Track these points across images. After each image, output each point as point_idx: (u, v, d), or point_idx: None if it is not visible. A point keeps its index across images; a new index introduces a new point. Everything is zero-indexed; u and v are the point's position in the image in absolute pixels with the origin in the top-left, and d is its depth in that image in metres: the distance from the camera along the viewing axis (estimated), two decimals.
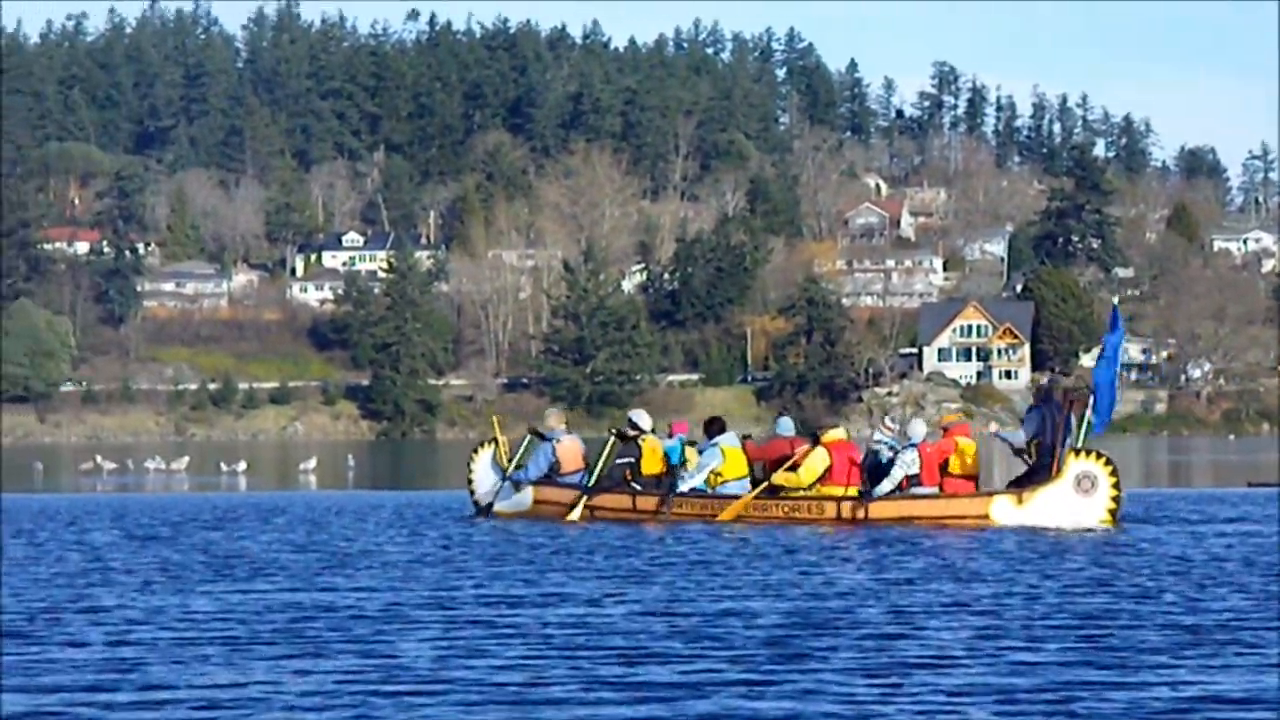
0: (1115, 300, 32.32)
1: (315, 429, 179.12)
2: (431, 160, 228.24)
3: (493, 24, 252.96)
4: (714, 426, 28.25)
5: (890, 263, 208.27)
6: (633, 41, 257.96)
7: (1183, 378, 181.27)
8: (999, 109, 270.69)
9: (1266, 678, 11.91)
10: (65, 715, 10.93)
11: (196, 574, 19.45)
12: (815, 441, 27.13)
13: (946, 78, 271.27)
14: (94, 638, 14.15)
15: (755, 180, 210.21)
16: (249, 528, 27.25)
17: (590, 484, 28.03)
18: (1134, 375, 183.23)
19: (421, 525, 27.27)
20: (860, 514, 26.25)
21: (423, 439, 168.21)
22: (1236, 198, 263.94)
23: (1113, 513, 25.79)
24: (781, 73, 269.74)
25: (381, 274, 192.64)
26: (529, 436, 29.48)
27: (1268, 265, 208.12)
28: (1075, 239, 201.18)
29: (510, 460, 29.03)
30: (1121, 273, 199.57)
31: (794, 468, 26.87)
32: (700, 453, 27.82)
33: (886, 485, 26.45)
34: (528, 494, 28.64)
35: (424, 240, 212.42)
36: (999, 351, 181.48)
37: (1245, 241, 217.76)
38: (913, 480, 26.43)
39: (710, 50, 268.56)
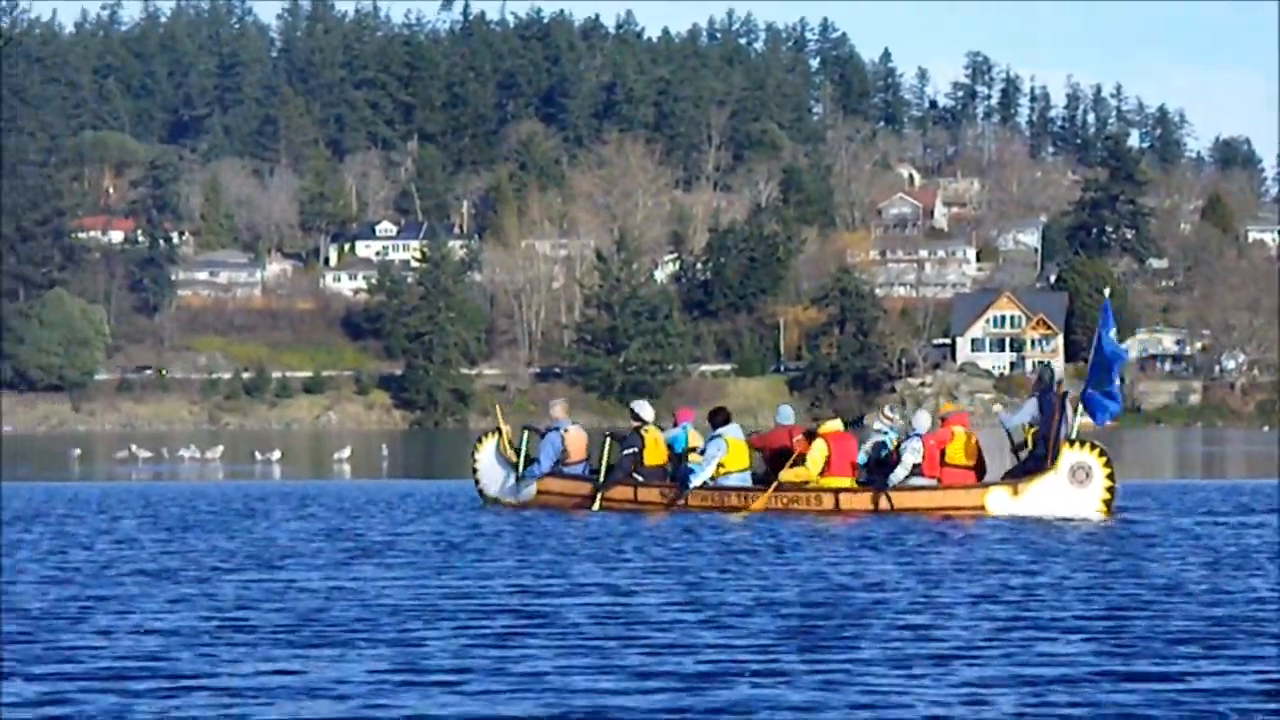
0: (1108, 293, 32.49)
1: (348, 418, 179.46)
2: (465, 150, 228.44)
3: (526, 14, 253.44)
4: (718, 417, 28.16)
5: (923, 253, 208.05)
6: (666, 32, 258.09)
7: (1217, 369, 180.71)
8: (1033, 99, 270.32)
9: None
10: (87, 704, 10.97)
11: (235, 562, 19.51)
12: (812, 434, 27.24)
13: (980, 68, 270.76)
14: (119, 625, 14.21)
15: (788, 170, 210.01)
16: (282, 515, 27.35)
17: (601, 477, 28.05)
18: (1168, 366, 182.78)
19: (451, 513, 27.29)
20: (860, 505, 26.35)
21: (456, 428, 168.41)
22: (1271, 188, 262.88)
23: (1107, 503, 25.93)
24: (815, 63, 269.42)
25: (415, 263, 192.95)
26: (526, 432, 29.50)
27: None
28: (1109, 230, 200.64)
29: (515, 452, 29.05)
30: (1155, 263, 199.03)
31: (796, 461, 26.91)
32: (706, 443, 27.82)
33: (900, 472, 26.48)
34: (531, 484, 28.74)
35: (457, 230, 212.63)
36: (1032, 342, 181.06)
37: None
38: (914, 470, 26.52)
39: (744, 40, 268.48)
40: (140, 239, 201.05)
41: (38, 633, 13.79)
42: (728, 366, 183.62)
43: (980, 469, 26.93)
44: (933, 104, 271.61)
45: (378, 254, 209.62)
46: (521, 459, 28.94)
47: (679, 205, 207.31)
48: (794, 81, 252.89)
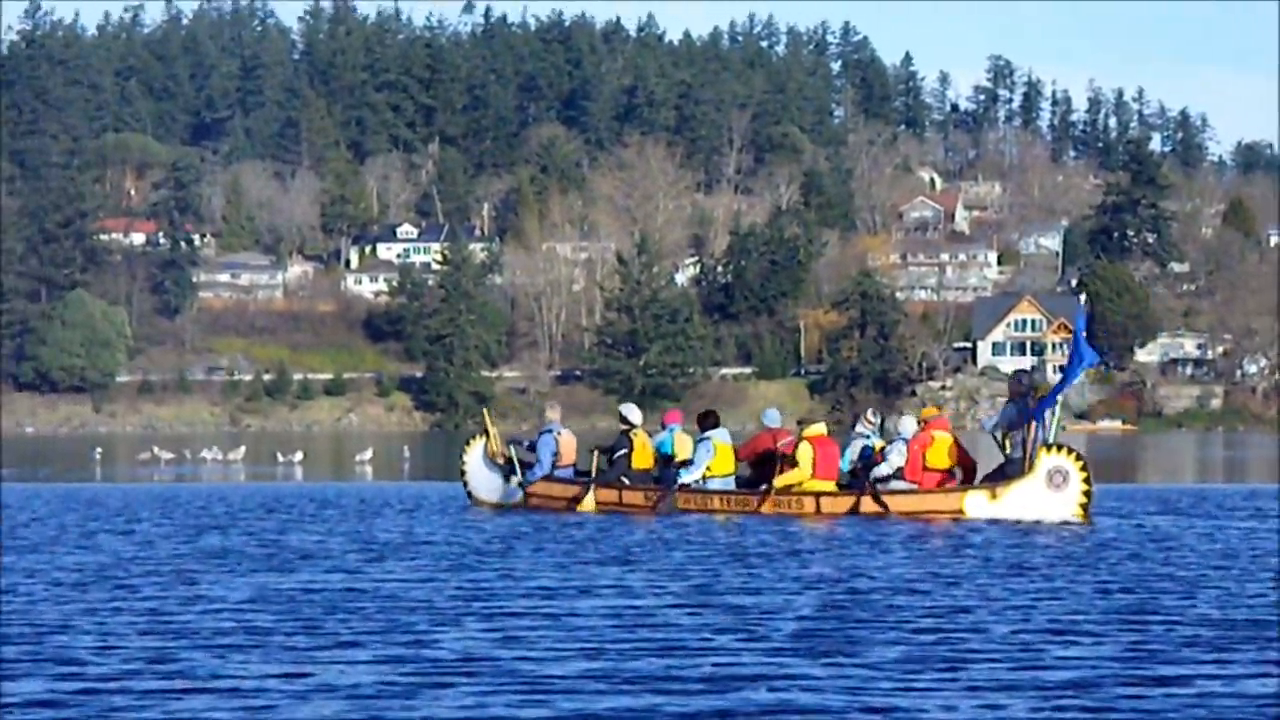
0: (1083, 300, 33.10)
1: (369, 420, 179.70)
2: (486, 152, 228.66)
3: (547, 17, 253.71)
4: (708, 420, 28.43)
5: (944, 256, 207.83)
6: (687, 35, 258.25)
7: (1238, 373, 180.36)
8: (1054, 103, 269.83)
9: None
10: (98, 704, 11.00)
11: (268, 562, 19.57)
12: (798, 436, 27.51)
13: (1002, 71, 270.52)
14: (130, 627, 14.25)
15: (809, 173, 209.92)
16: (308, 517, 27.44)
17: (593, 477, 28.27)
18: (1189, 370, 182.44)
19: (463, 516, 27.35)
20: (841, 509, 26.64)
21: (476, 431, 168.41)
22: None
23: (1084, 507, 26.19)
24: (836, 66, 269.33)
25: (435, 266, 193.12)
26: (513, 446, 29.59)
27: None
28: (1130, 233, 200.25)
29: (502, 455, 29.26)
30: (1177, 267, 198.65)
31: (784, 464, 27.13)
32: (695, 445, 27.97)
33: (883, 470, 26.86)
34: (517, 485, 28.92)
35: (478, 232, 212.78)
36: (1053, 346, 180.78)
37: None
38: (896, 474, 26.85)
39: (765, 43, 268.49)
40: (162, 241, 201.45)
41: (50, 636, 13.83)
42: (748, 370, 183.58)
43: (969, 473, 27.20)
44: (954, 107, 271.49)
45: (399, 256, 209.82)
46: (518, 465, 29.10)
47: (700, 208, 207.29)
48: (815, 85, 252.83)
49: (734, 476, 27.97)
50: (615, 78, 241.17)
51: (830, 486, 27.09)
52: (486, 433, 29.82)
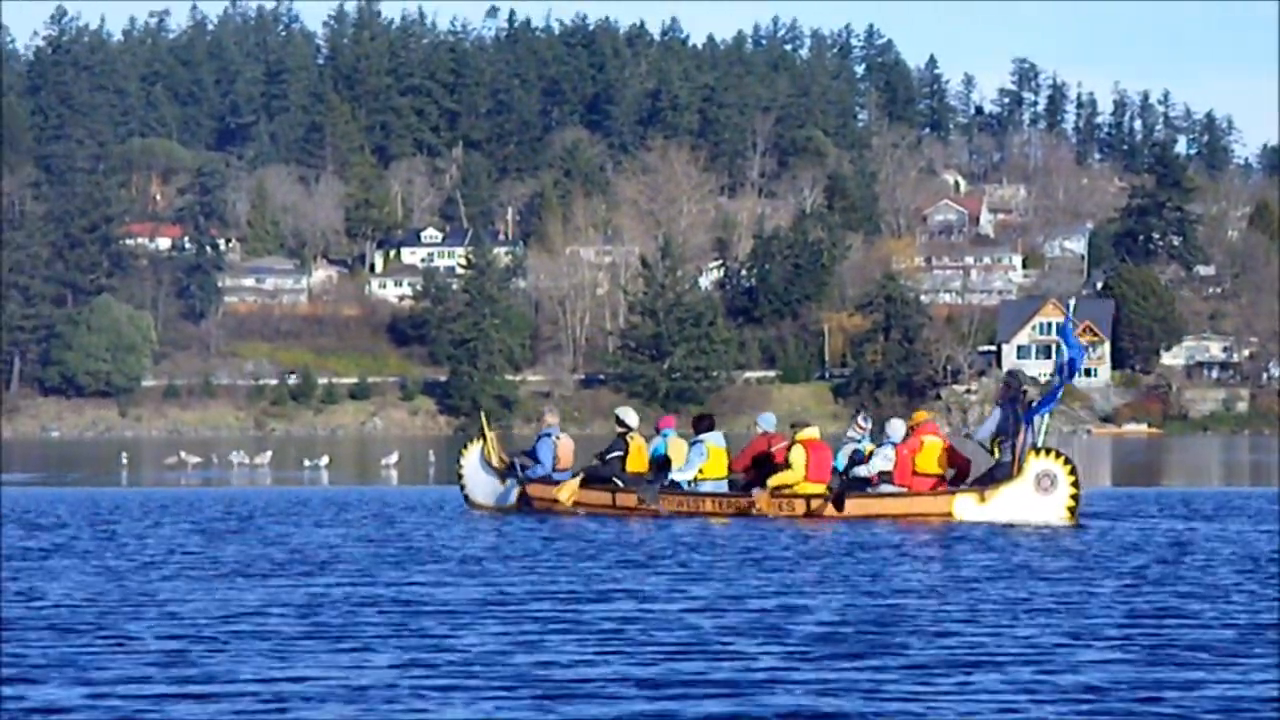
0: (1073, 302, 33.43)
1: (393, 424, 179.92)
2: (510, 157, 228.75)
3: (571, 21, 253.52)
4: (702, 424, 28.72)
5: (969, 260, 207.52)
6: (711, 38, 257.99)
7: (1264, 376, 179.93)
8: (1079, 106, 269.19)
9: None
10: (121, 708, 11.05)
11: (304, 567, 19.63)
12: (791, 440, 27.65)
13: (1027, 74, 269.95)
14: (151, 631, 14.30)
15: (833, 177, 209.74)
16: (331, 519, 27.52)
17: (584, 472, 28.57)
18: (1215, 373, 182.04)
19: (478, 519, 27.39)
20: (829, 512, 26.76)
21: (500, 435, 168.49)
22: None
23: (1072, 510, 26.38)
24: (860, 69, 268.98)
25: (460, 270, 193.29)
26: (516, 459, 29.66)
27: None
28: (1156, 236, 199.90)
29: (501, 460, 29.40)
30: (1203, 270, 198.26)
31: (776, 466, 27.29)
32: (689, 448, 28.10)
33: (863, 470, 27.16)
34: (513, 489, 28.94)
35: (502, 236, 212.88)
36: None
37: None
38: (884, 477, 26.97)
39: (789, 47, 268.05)
40: (187, 246, 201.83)
41: (73, 639, 13.88)
42: (772, 373, 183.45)
43: (960, 476, 27.31)
44: (978, 110, 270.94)
45: (423, 261, 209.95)
46: (520, 472, 29.22)
47: (724, 212, 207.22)
48: (839, 88, 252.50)
49: (728, 480, 28.09)
50: (639, 81, 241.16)
51: (822, 489, 27.19)
52: (484, 437, 29.83)
